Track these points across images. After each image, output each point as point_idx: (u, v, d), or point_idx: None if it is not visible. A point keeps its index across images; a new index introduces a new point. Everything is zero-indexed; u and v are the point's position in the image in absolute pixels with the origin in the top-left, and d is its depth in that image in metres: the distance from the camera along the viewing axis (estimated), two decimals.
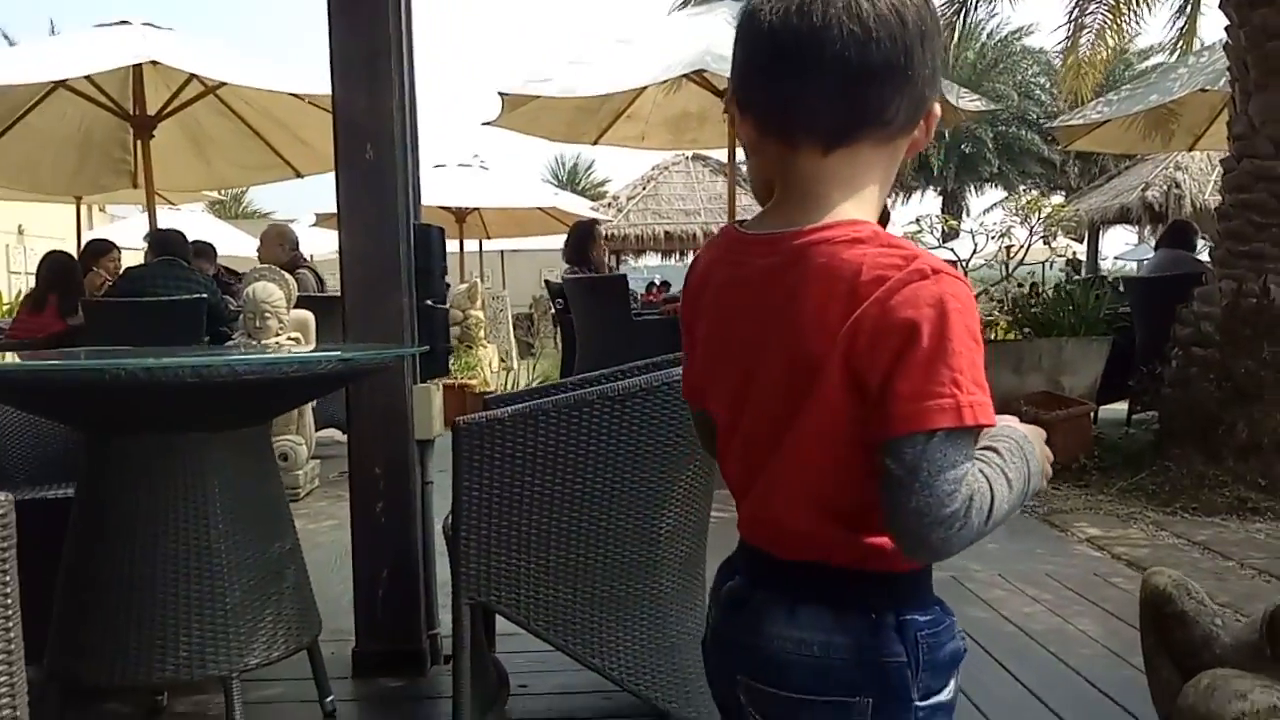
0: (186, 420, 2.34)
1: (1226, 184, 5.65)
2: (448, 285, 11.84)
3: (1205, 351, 5.40)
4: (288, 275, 5.69)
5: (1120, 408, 7.06)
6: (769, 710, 1.12)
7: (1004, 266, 15.88)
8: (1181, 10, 8.55)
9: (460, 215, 11.28)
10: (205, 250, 7.47)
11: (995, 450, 1.03)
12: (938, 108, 1.09)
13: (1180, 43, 8.79)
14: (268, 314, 5.32)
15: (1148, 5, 8.08)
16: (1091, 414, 6.49)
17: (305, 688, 2.74)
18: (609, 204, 18.56)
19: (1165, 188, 13.97)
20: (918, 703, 1.07)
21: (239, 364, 2.15)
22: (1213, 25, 5.63)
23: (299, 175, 8.24)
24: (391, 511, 2.97)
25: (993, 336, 7.45)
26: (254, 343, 5.21)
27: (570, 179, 33.36)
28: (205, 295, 5.94)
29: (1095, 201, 15.82)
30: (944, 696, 1.09)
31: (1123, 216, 15.53)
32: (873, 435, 0.99)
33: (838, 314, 1.00)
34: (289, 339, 5.41)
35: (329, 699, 2.71)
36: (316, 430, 6.04)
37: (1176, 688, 1.90)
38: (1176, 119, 8.31)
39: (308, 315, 5.66)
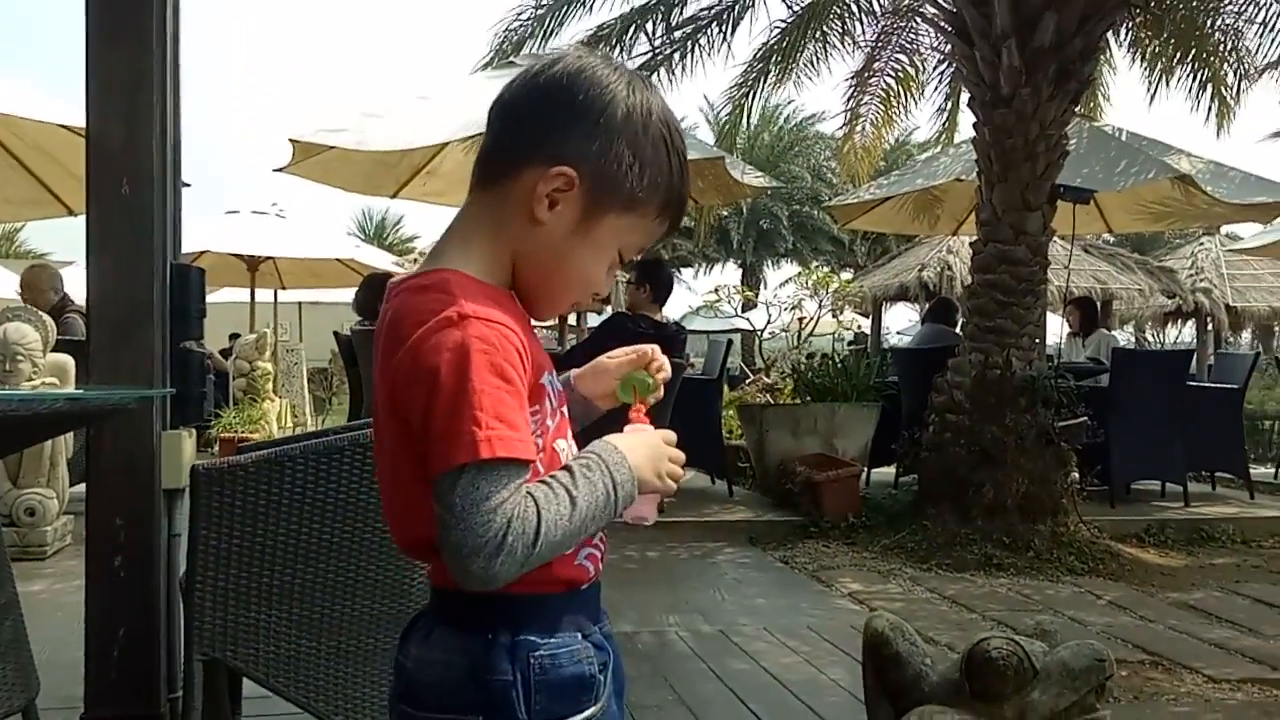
0: None
1: (974, 265, 6.18)
2: (237, 335, 11.28)
3: (957, 418, 5.84)
4: (45, 317, 5.29)
5: (890, 471, 7.51)
6: None
7: (795, 337, 16.66)
8: (943, 109, 9.40)
9: (253, 264, 10.86)
10: None
11: (569, 469, 1.09)
12: (542, 185, 1.12)
13: (943, 136, 9.63)
14: (20, 356, 4.92)
15: (914, 100, 8.83)
16: (861, 475, 6.87)
17: None
18: (415, 259, 18.33)
19: (939, 268, 15.06)
20: None
21: None
22: (971, 122, 6.30)
23: (71, 213, 7.71)
24: (131, 566, 2.79)
25: (777, 401, 7.79)
26: (3, 386, 4.81)
27: (378, 233, 32.72)
28: None
29: (879, 279, 16.87)
30: None
31: (902, 294, 16.63)
32: (428, 475, 1.05)
33: (389, 362, 1.08)
34: (44, 383, 5.03)
35: None
36: (72, 484, 5.60)
37: None
38: (940, 204, 9.05)
39: (67, 359, 5.27)
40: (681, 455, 1.21)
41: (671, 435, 1.21)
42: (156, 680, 2.85)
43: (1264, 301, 16.45)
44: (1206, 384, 8.08)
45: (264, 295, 12.57)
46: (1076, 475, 6.24)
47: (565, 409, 1.23)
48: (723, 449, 7.49)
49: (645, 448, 1.17)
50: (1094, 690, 1.90)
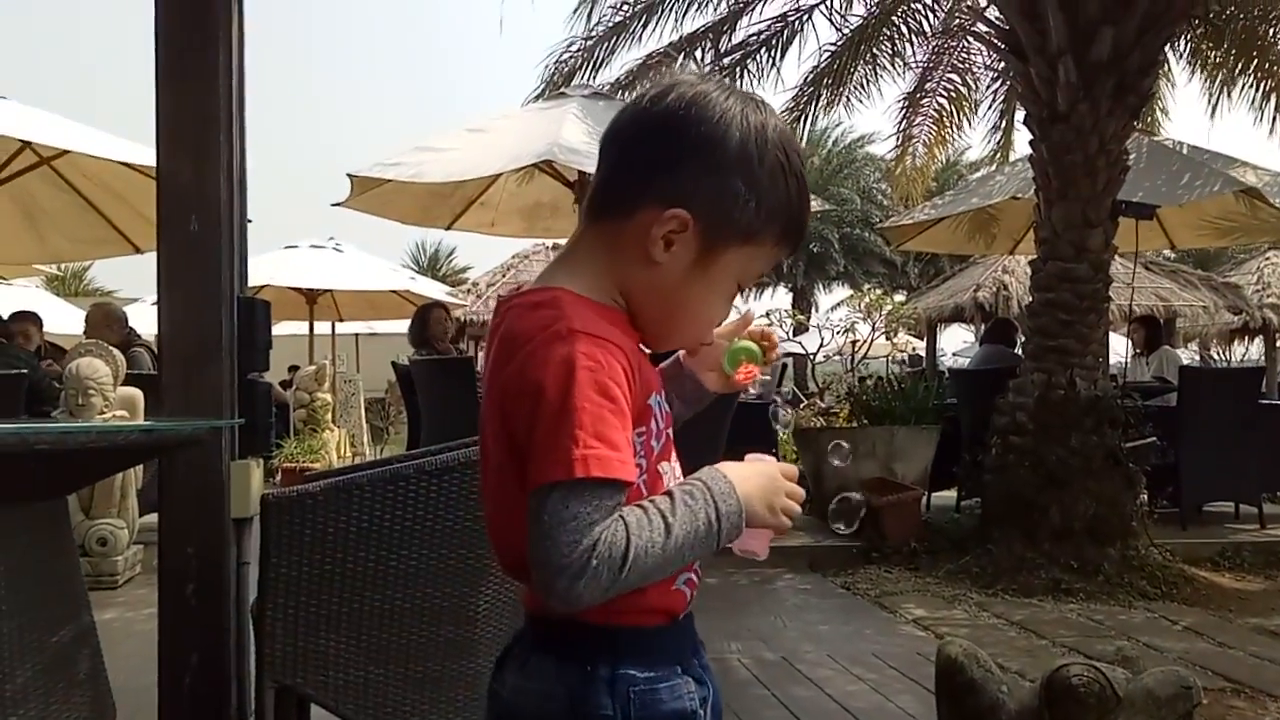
0: None
1: (1035, 284, 6.08)
2: (296, 368, 11.47)
3: (1020, 440, 5.73)
4: (115, 351, 5.44)
5: (951, 494, 7.39)
6: None
7: (849, 360, 16.48)
8: (997, 126, 9.30)
9: (311, 296, 11.06)
10: (28, 316, 7.08)
11: (670, 494, 1.06)
12: (657, 228, 1.11)
13: (998, 154, 9.53)
14: (91, 391, 5.06)
15: (967, 120, 8.76)
16: (922, 499, 6.76)
17: None
18: (468, 290, 18.53)
19: (994, 289, 14.86)
20: None
21: (30, 432, 2.04)
22: (1026, 139, 6.27)
23: (139, 251, 7.93)
24: (203, 594, 2.82)
25: (833, 425, 7.70)
26: (76, 420, 4.94)
27: (431, 265, 33.18)
28: (24, 370, 5.61)
29: (933, 301, 16.69)
30: None
31: (957, 315, 16.42)
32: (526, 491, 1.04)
33: (499, 376, 1.08)
34: (115, 416, 5.15)
35: None
36: (142, 515, 5.72)
37: None
38: (997, 224, 8.94)
39: (136, 393, 5.41)
40: (800, 492, 1.17)
41: (792, 470, 1.18)
42: (228, 708, 2.87)
43: None
44: (1278, 401, 7.85)
45: (322, 328, 12.79)
46: (1146, 497, 6.09)
47: (671, 430, 1.21)
48: None
49: (759, 478, 1.13)
50: (1181, 719, 1.84)
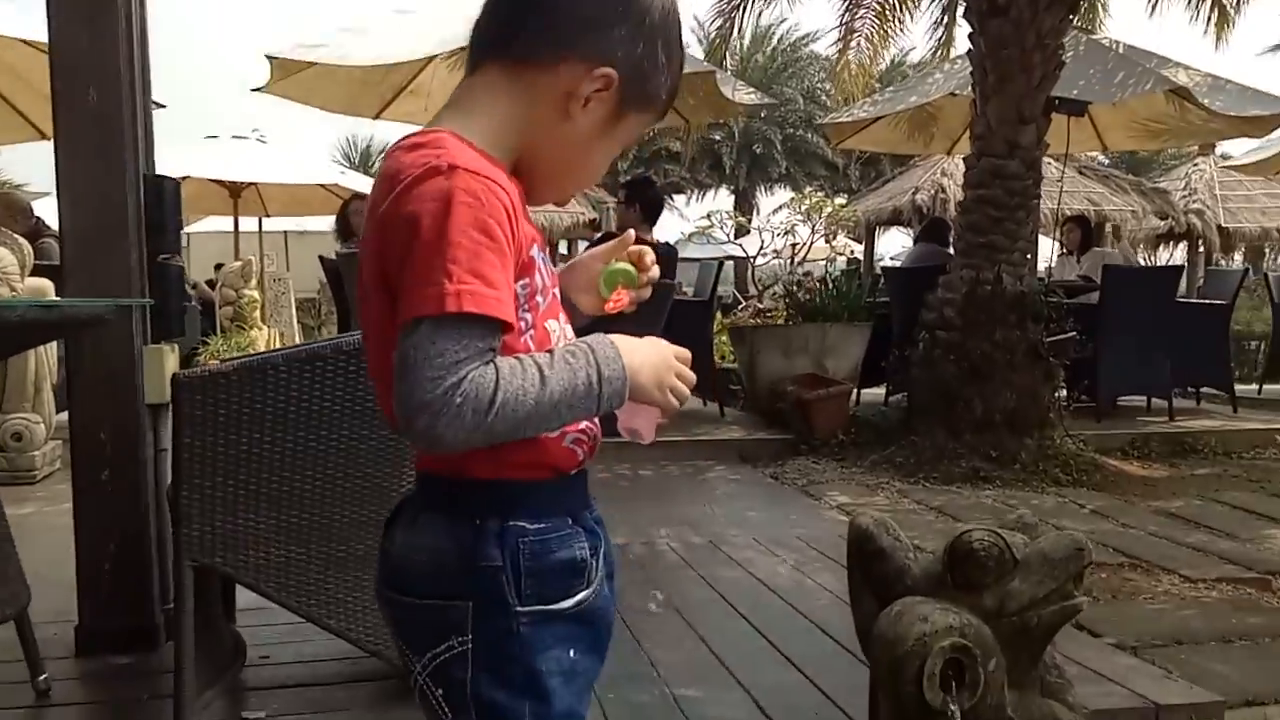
0: None
1: (967, 181, 6.12)
2: (222, 265, 11.14)
3: (947, 335, 5.84)
4: (21, 240, 5.24)
5: (880, 391, 7.54)
6: (395, 615, 1.14)
7: (789, 263, 16.54)
8: (940, 22, 9.23)
9: (235, 190, 10.70)
10: None
11: (551, 352, 1.05)
12: (585, 85, 1.09)
13: (939, 52, 9.47)
14: None
15: (909, 13, 8.66)
16: (851, 394, 6.90)
17: (17, 669, 2.55)
18: None
19: (933, 191, 14.92)
20: (519, 608, 1.08)
21: None
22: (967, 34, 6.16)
23: (45, 137, 7.57)
24: (119, 479, 2.80)
25: (768, 323, 7.77)
26: None
27: (363, 161, 32.31)
28: None
29: (872, 203, 16.72)
30: (562, 605, 1.11)
31: (896, 218, 16.51)
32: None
33: (375, 216, 1.05)
34: None
35: (42, 677, 2.53)
36: (60, 411, 5.61)
37: (875, 617, 2.05)
38: (935, 123, 8.93)
39: (46, 283, 5.22)
40: (691, 375, 1.16)
41: (685, 353, 1.17)
42: (150, 592, 2.87)
43: (1255, 222, 16.37)
44: (1195, 300, 8.08)
45: (248, 224, 12.43)
46: (1064, 392, 6.27)
47: (558, 290, 1.19)
48: (714, 371, 7.50)
49: (649, 353, 1.11)
50: (1072, 579, 1.92)
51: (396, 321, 1.00)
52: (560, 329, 1.16)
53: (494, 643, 1.08)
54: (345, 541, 2.34)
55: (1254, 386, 8.59)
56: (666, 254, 6.35)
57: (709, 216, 15.06)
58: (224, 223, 11.55)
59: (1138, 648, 2.97)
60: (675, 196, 28.14)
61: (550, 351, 1.06)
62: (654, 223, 6.31)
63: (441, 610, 1.09)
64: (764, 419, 6.94)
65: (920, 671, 1.85)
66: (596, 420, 1.17)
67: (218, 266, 11.70)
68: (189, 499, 2.22)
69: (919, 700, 1.86)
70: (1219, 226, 16.00)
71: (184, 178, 9.96)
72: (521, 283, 1.08)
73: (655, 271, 1.26)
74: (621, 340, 1.10)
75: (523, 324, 1.08)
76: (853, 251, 20.91)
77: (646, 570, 3.71)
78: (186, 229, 16.21)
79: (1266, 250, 20.20)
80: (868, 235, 17.82)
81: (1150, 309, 6.72)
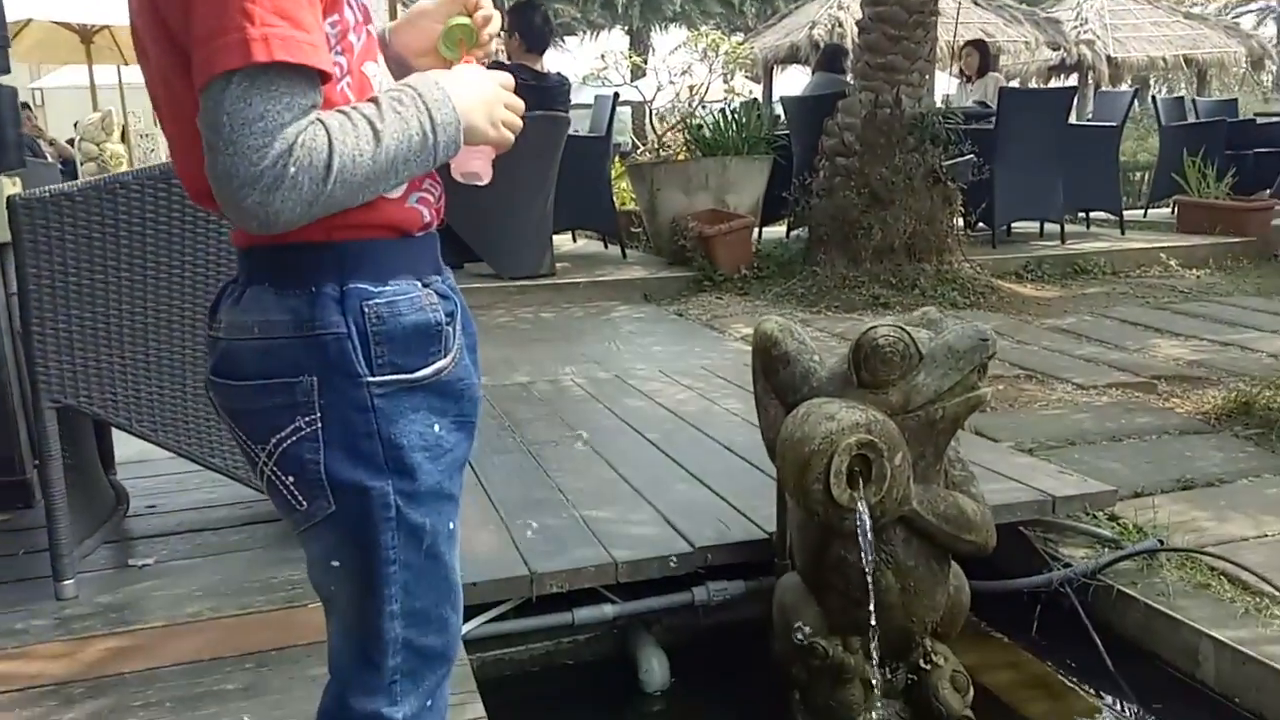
0: None
1: None
2: (79, 122, 10.29)
3: (847, 160, 5.78)
4: None
5: (782, 228, 7.50)
6: (230, 405, 1.03)
7: (687, 104, 16.20)
8: None
9: (86, 35, 9.84)
10: None
11: (375, 101, 0.93)
12: None
13: None
14: None
15: None
16: (753, 229, 6.83)
17: None
18: None
19: (829, 25, 14.65)
20: (371, 379, 0.98)
21: None
22: None
23: None
24: None
25: (666, 159, 7.59)
26: None
27: None
28: None
29: (769, 40, 16.37)
30: (419, 374, 1.01)
31: (793, 55, 16.21)
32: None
33: None
34: None
35: None
36: None
37: (781, 424, 2.02)
38: None
39: None
40: (519, 103, 1.05)
41: (509, 79, 1.05)
42: (17, 446, 2.69)
43: (1143, 51, 16.58)
44: (1087, 123, 8.16)
45: (107, 76, 11.51)
46: (962, 222, 6.32)
47: (372, 28, 1.04)
48: (614, 211, 7.35)
49: (476, 90, 1.01)
50: (976, 370, 1.91)
51: (195, 84, 0.85)
52: (380, 73, 1.03)
53: (346, 418, 0.98)
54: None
55: (1140, 210, 8.82)
56: (558, 84, 6.09)
57: (603, 57, 14.56)
58: (78, 74, 10.66)
59: (1034, 449, 3.05)
60: (567, 39, 27.14)
61: (374, 100, 0.93)
62: (541, 51, 5.99)
63: (282, 389, 0.98)
64: (666, 258, 6.86)
65: (827, 470, 1.83)
66: (438, 177, 1.06)
67: (77, 125, 10.89)
68: (42, 334, 2.04)
69: (826, 498, 1.84)
70: (1108, 57, 16.16)
71: (26, 22, 9.16)
72: (330, 20, 0.93)
73: (495, 21, 1.12)
74: (445, 78, 0.98)
75: (337, 69, 0.94)
76: (751, 92, 20.60)
77: (551, 405, 3.65)
78: (37, 84, 15.02)
79: (1151, 81, 20.57)
80: (765, 75, 17.51)
81: (1044, 132, 6.74)
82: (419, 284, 1.02)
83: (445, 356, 1.03)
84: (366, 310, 0.97)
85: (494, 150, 1.05)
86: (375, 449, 0.99)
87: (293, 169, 0.84)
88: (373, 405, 0.98)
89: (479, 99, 1.00)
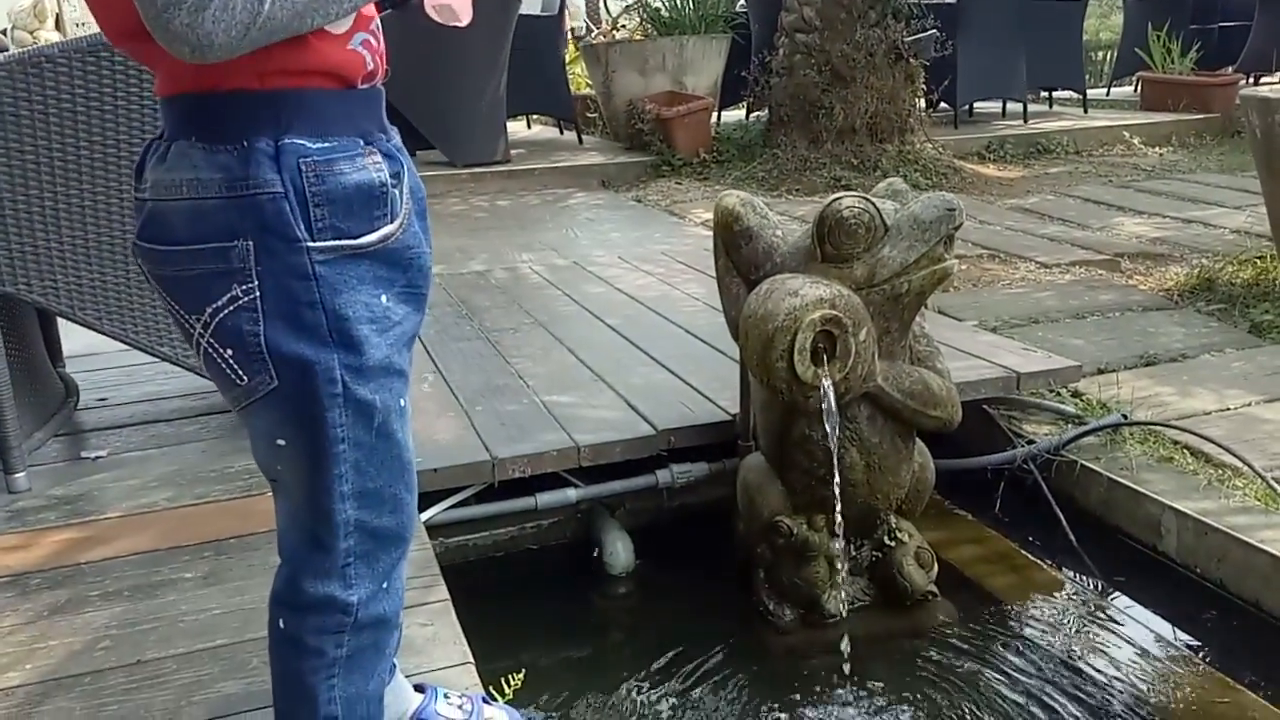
0: None
1: None
2: (11, 11, 9.73)
3: (807, 37, 5.63)
4: None
5: (741, 112, 7.35)
6: (159, 272, 0.96)
7: None
8: None
9: None
10: None
11: None
12: None
13: None
14: None
15: None
16: (712, 111, 6.69)
17: None
18: None
19: None
20: (312, 244, 0.92)
21: None
22: None
23: None
24: None
25: (621, 40, 7.37)
26: None
27: None
28: None
29: None
30: (364, 240, 0.95)
31: None
32: None
33: None
34: None
35: None
36: None
37: (744, 301, 1.98)
38: None
39: None
40: None
41: None
42: None
43: None
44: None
45: None
46: (924, 103, 6.21)
47: None
48: (569, 96, 7.15)
49: None
50: (943, 241, 1.87)
51: None
52: None
53: (286, 286, 0.92)
54: None
55: (1103, 90, 8.75)
56: None
57: None
58: None
59: (998, 328, 3.06)
60: None
61: None
62: None
63: (215, 254, 0.91)
64: (624, 143, 6.73)
65: (791, 347, 1.80)
66: (380, 32, 0.98)
67: (10, 15, 10.33)
68: None
69: (790, 375, 1.82)
70: None
71: None
72: None
73: None
74: None
75: None
76: None
77: (509, 293, 3.59)
78: None
79: None
80: None
81: (1007, 7, 6.61)
82: (360, 141, 0.95)
83: (392, 221, 0.97)
84: (303, 167, 0.90)
85: None
86: (319, 320, 0.93)
87: None
88: (314, 273, 0.92)
89: None
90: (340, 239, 0.93)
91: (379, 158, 0.96)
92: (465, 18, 0.98)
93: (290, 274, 0.92)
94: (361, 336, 0.96)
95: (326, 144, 0.92)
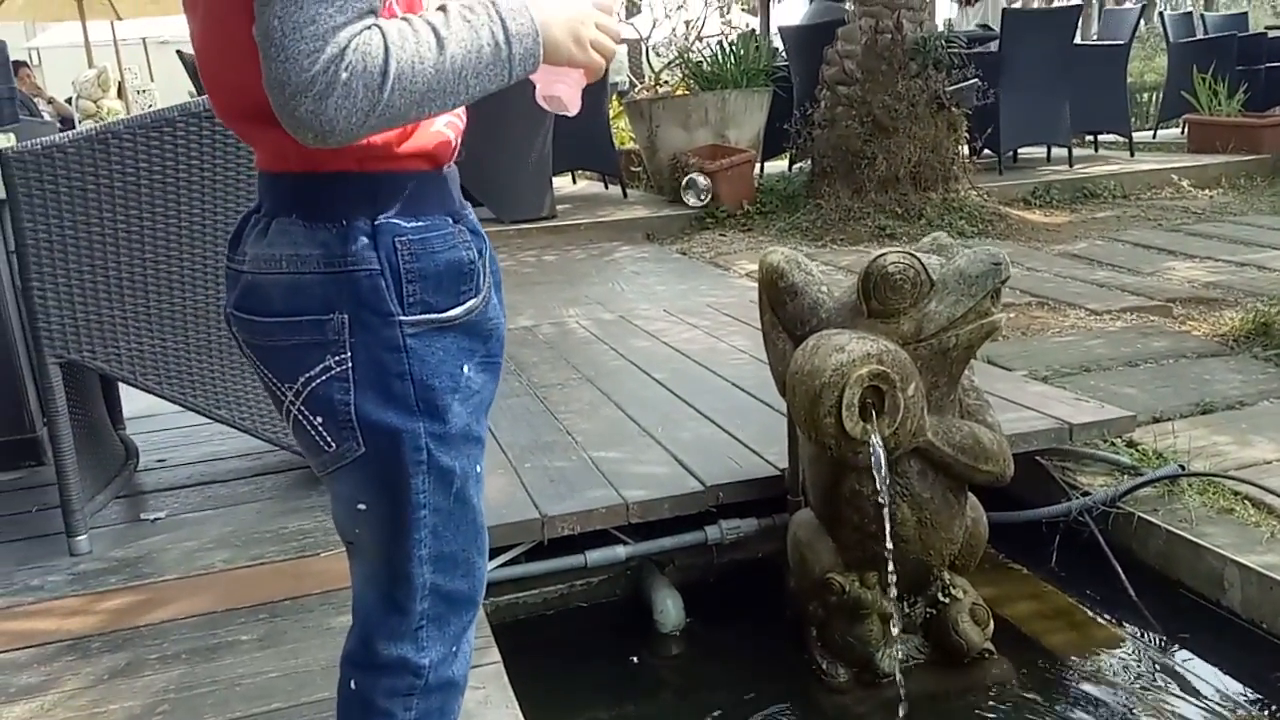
0: None
1: None
2: (76, 80, 10.14)
3: (848, 90, 5.67)
4: None
5: (784, 162, 7.40)
6: (253, 341, 1.00)
7: (684, 40, 15.94)
8: None
9: None
10: None
11: (443, 9, 0.88)
12: None
13: None
14: None
15: None
16: (755, 163, 6.74)
17: None
18: None
19: None
20: (403, 318, 0.95)
21: None
22: None
23: None
24: None
25: (665, 95, 7.47)
26: None
27: None
28: None
29: None
30: (451, 313, 0.98)
31: None
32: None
33: None
34: None
35: None
36: None
37: (790, 357, 1.99)
38: None
39: None
40: (614, 24, 0.99)
41: (608, 2, 0.99)
42: (25, 404, 2.68)
43: None
44: (1093, 43, 7.99)
45: (101, 33, 11.34)
46: (967, 150, 6.21)
47: None
48: (614, 150, 7.25)
49: (561, 2, 0.94)
50: (990, 295, 1.87)
51: None
52: None
53: (377, 358, 0.95)
54: (209, 328, 2.17)
55: (1149, 131, 8.68)
56: None
57: None
58: (72, 32, 10.51)
59: (1049, 377, 3.02)
60: None
61: (442, 8, 0.88)
62: None
63: (312, 327, 0.95)
64: (668, 196, 6.78)
65: (839, 402, 1.80)
66: (462, 113, 1.02)
67: (74, 83, 10.76)
68: (42, 290, 2.01)
69: (839, 431, 1.82)
70: None
71: None
72: None
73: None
74: None
75: None
76: (748, 24, 20.27)
77: (557, 348, 3.63)
78: (34, 43, 14.83)
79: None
80: (763, 7, 17.19)
81: (1050, 53, 6.60)
82: (450, 219, 0.99)
83: (476, 295, 1.00)
84: (399, 245, 0.94)
85: (583, 76, 0.99)
86: (407, 390, 0.97)
87: (344, 74, 0.80)
88: (405, 345, 0.96)
89: (563, 13, 0.94)
90: (430, 313, 0.96)
91: (468, 235, 1.00)
92: (574, 108, 1.00)
93: (382, 346, 0.95)
94: (445, 405, 0.99)
95: (420, 223, 0.96)
